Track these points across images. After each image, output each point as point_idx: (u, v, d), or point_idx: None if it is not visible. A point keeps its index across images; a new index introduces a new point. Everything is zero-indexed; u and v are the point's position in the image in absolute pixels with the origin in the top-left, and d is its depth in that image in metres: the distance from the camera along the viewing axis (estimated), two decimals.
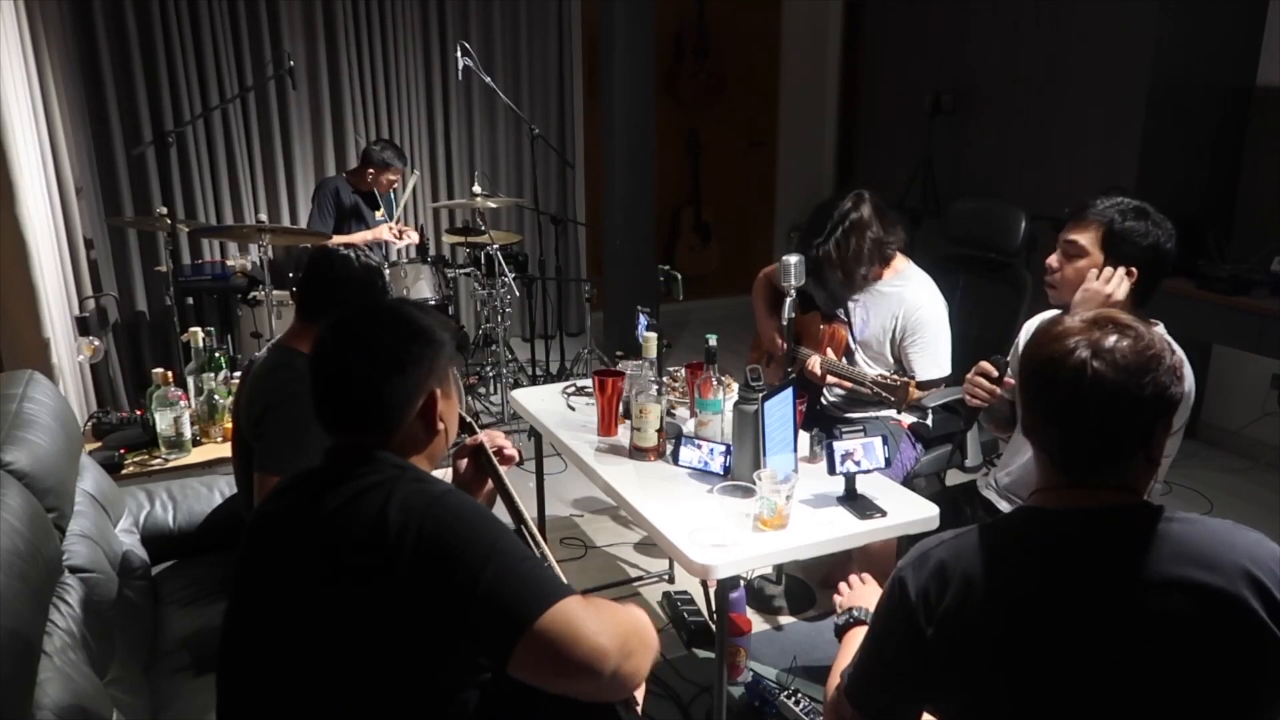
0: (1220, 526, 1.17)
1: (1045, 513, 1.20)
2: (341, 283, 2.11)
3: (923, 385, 2.60)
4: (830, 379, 2.68)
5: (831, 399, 2.84)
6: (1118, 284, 1.97)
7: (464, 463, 1.63)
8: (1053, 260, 2.10)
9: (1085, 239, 2.03)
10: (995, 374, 2.14)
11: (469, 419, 1.67)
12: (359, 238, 4.42)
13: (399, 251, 5.00)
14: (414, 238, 4.62)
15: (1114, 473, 1.17)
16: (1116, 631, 1.11)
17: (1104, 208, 2.02)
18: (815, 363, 2.68)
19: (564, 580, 1.28)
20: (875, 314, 2.75)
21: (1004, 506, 2.25)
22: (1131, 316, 1.19)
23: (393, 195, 4.84)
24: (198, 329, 3.05)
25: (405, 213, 5.31)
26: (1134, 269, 1.99)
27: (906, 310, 2.70)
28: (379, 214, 4.68)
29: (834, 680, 1.38)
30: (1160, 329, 2.05)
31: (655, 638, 1.31)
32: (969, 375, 2.20)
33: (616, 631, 1.21)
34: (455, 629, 1.17)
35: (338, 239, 4.30)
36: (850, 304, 2.80)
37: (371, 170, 4.48)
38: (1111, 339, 1.14)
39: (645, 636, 1.27)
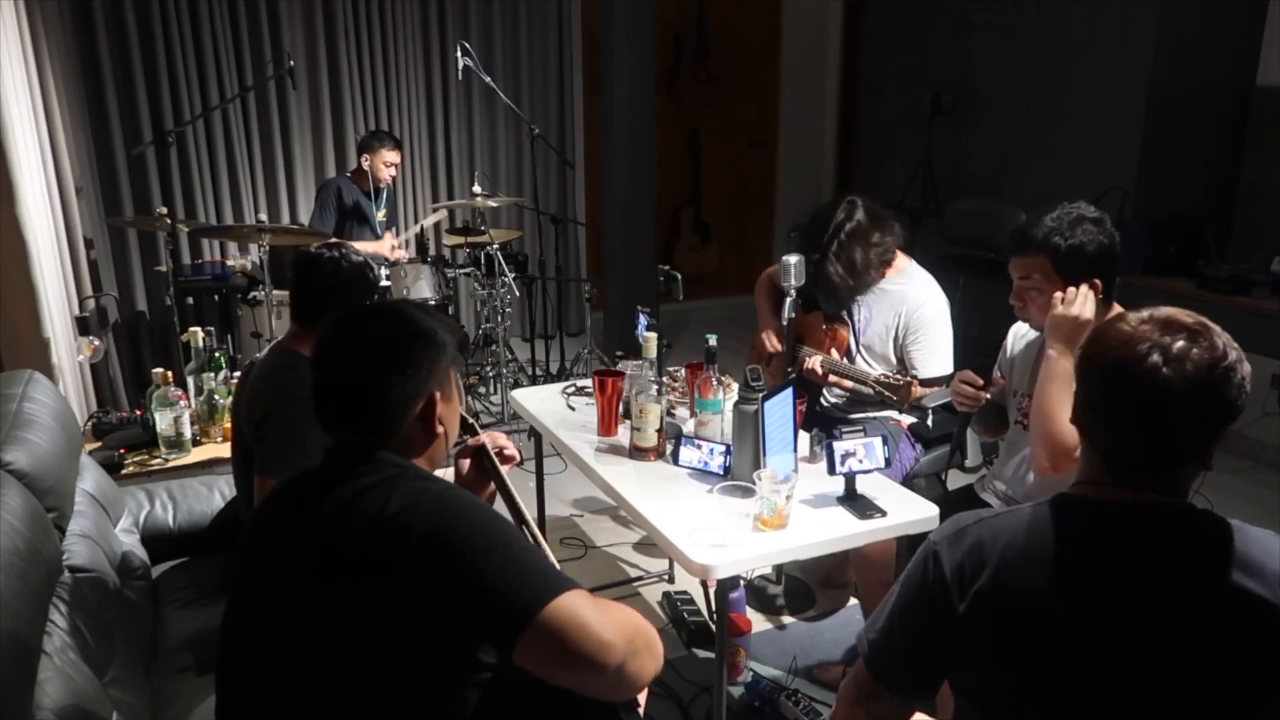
0: (1264, 535, 1.16)
1: (1089, 504, 1.19)
2: (333, 286, 2.10)
3: (925, 383, 2.60)
4: (832, 378, 2.68)
5: (833, 399, 2.84)
6: (1083, 303, 1.96)
7: (466, 463, 1.63)
8: (1014, 300, 2.09)
9: (1038, 272, 2.02)
10: (980, 381, 2.15)
11: (470, 420, 1.67)
12: (363, 250, 4.42)
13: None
14: (404, 255, 4.65)
15: (1164, 478, 1.16)
16: (1149, 627, 1.10)
17: (1041, 234, 2.00)
18: (816, 361, 2.68)
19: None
20: (878, 312, 2.75)
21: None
22: (1201, 317, 1.16)
23: (400, 217, 4.86)
24: (198, 329, 3.05)
25: (406, 218, 5.32)
26: (1095, 280, 1.98)
27: (909, 308, 2.70)
28: (381, 214, 4.68)
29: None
30: None
31: (660, 647, 1.30)
32: (954, 382, 2.21)
33: (623, 628, 1.21)
34: (458, 624, 1.17)
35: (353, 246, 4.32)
36: (853, 304, 2.80)
37: (367, 157, 4.49)
38: (1181, 344, 1.10)
39: (650, 640, 1.27)
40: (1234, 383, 1.11)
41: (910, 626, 1.25)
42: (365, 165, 4.53)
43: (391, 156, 4.53)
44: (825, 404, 2.86)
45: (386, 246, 4.62)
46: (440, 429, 1.38)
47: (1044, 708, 1.15)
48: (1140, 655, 1.10)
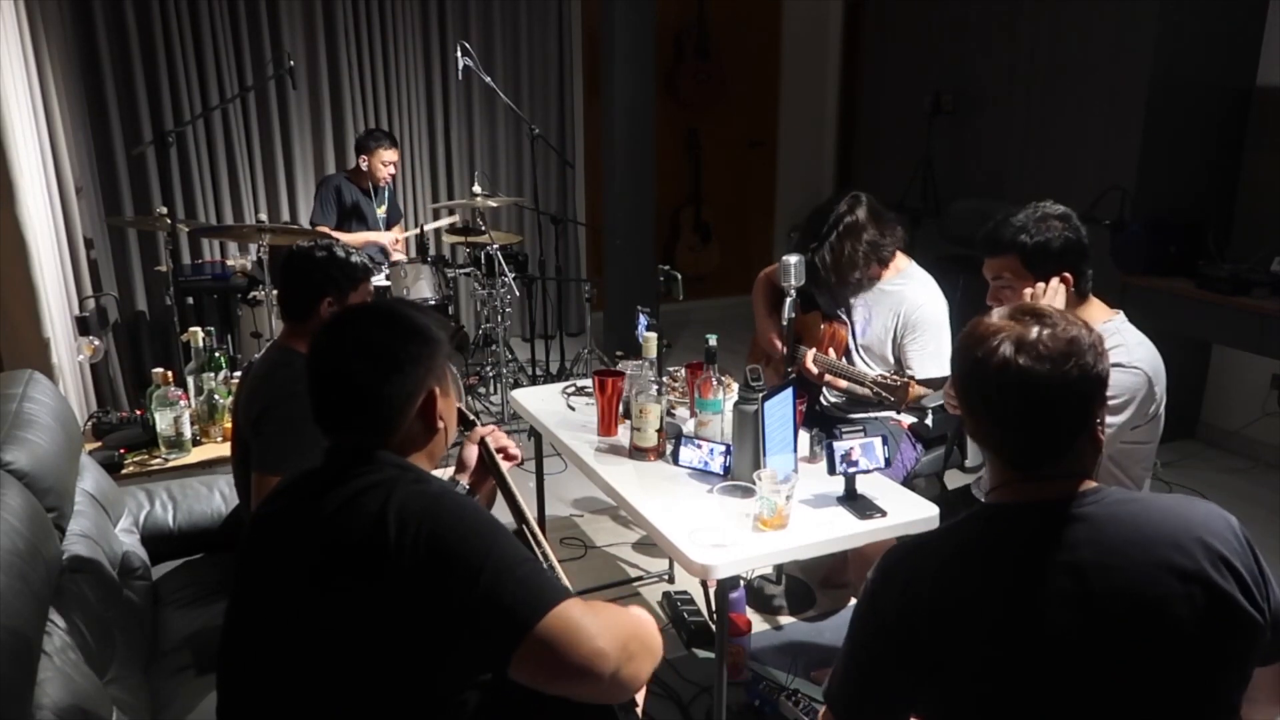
0: (1172, 502, 1.20)
1: (1006, 509, 1.21)
2: (308, 271, 2.10)
3: (923, 384, 2.60)
4: (827, 378, 2.68)
5: (832, 399, 2.84)
6: (1053, 296, 2.02)
7: (473, 451, 1.63)
8: (990, 300, 2.14)
9: (1009, 270, 2.08)
10: None
11: (470, 415, 1.67)
12: (356, 239, 4.42)
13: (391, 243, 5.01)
14: (403, 255, 4.66)
15: (1064, 461, 1.19)
16: (1089, 618, 1.12)
17: (1009, 234, 2.07)
18: (810, 357, 2.67)
19: (565, 581, 1.28)
20: (877, 313, 2.75)
21: None
22: (1048, 306, 1.22)
23: (400, 215, 4.86)
24: (198, 329, 3.04)
25: (406, 218, 5.32)
26: (1065, 274, 2.04)
27: (908, 308, 2.69)
28: (381, 211, 4.69)
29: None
30: (1120, 317, 2.09)
31: (659, 641, 1.30)
32: (945, 389, 2.22)
33: (617, 634, 1.21)
34: (454, 630, 1.17)
35: (347, 237, 4.33)
36: (852, 303, 2.79)
37: (364, 157, 4.49)
38: (1034, 331, 1.15)
39: (647, 640, 1.27)
40: (1084, 348, 1.15)
41: (862, 666, 1.26)
42: (363, 165, 4.53)
43: (389, 155, 4.53)
44: (825, 404, 2.86)
45: (389, 238, 4.62)
46: (440, 424, 1.38)
47: (1014, 715, 1.16)
48: (1093, 648, 1.12)
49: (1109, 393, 2.01)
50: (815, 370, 2.66)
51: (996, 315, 1.21)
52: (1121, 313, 2.12)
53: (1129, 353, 2.02)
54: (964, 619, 1.16)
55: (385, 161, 4.53)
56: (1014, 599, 1.14)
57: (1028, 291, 2.04)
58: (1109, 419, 1.97)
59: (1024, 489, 1.20)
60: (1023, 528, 1.18)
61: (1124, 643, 1.11)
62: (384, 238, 4.57)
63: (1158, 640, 1.11)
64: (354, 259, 2.15)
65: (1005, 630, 1.14)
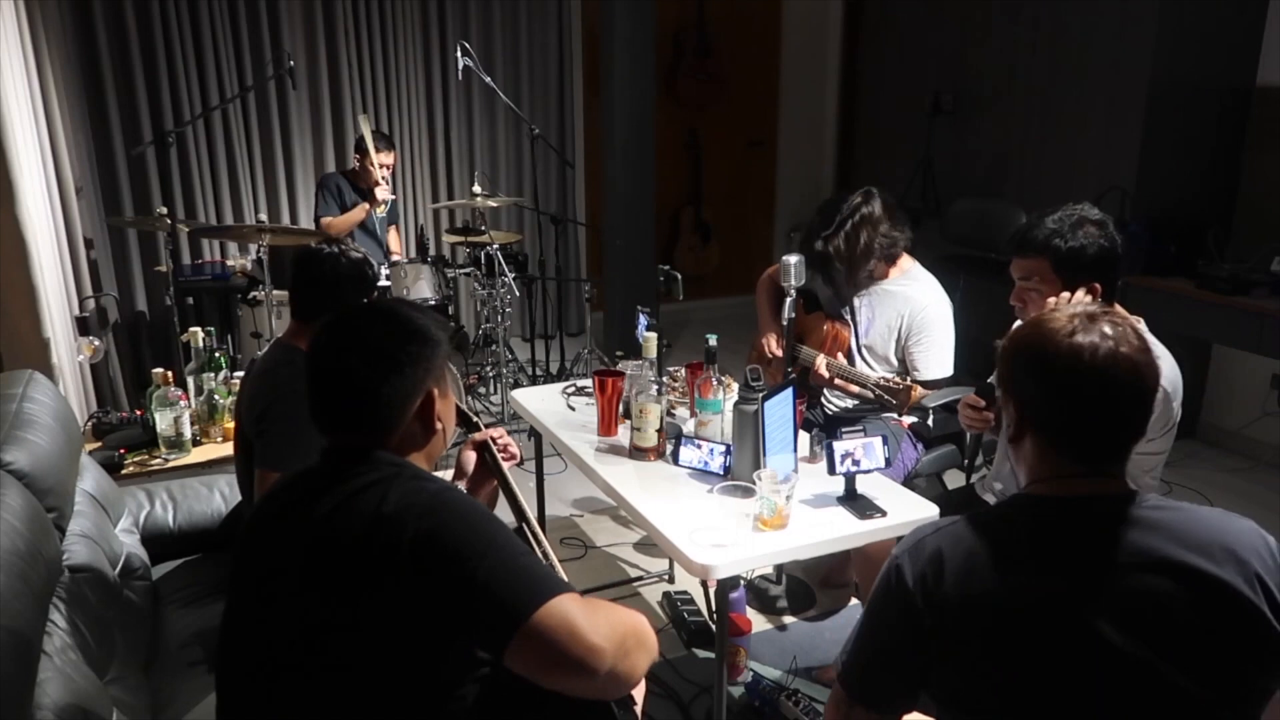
0: (1211, 514, 1.20)
1: (1047, 500, 1.21)
2: (332, 283, 2.11)
3: (925, 385, 2.60)
4: (838, 382, 2.67)
5: (836, 404, 2.84)
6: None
7: (471, 456, 1.63)
8: (1014, 300, 2.10)
9: (1038, 273, 2.02)
10: (982, 402, 2.15)
11: (472, 416, 1.67)
12: (344, 221, 4.40)
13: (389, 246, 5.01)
14: (388, 194, 4.61)
15: (1119, 460, 1.20)
16: (1113, 613, 1.12)
17: (1042, 236, 2.00)
18: (822, 364, 2.66)
19: (565, 578, 1.28)
20: (881, 313, 2.75)
21: None
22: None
23: (400, 214, 4.86)
24: (198, 329, 3.05)
25: (406, 218, 5.32)
26: (1095, 284, 1.98)
27: (913, 309, 2.69)
28: (380, 211, 4.69)
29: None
30: (1141, 325, 2.07)
31: (654, 641, 1.31)
32: (960, 407, 2.20)
33: (613, 630, 1.21)
34: (452, 623, 1.18)
35: (342, 226, 4.33)
36: (856, 303, 2.79)
37: (359, 157, 4.49)
38: (1108, 327, 1.17)
39: (643, 638, 1.27)
40: (1152, 364, 1.19)
41: (881, 642, 1.26)
42: (355, 165, 4.53)
43: (385, 159, 4.52)
44: (830, 412, 2.86)
45: (393, 242, 4.63)
46: (439, 425, 1.38)
47: (1032, 705, 1.15)
48: (1105, 646, 1.12)
49: None
50: (827, 375, 2.65)
51: (1066, 311, 1.21)
52: (1142, 321, 2.09)
53: None
54: (989, 608, 1.15)
55: (381, 164, 4.52)
56: (1044, 593, 1.14)
57: (1052, 300, 1.97)
58: None
59: (1075, 485, 1.19)
60: (1061, 522, 1.18)
61: (1148, 647, 1.11)
62: (364, 211, 4.56)
63: (1182, 648, 1.11)
64: (370, 272, 2.17)
65: (1031, 624, 1.14)
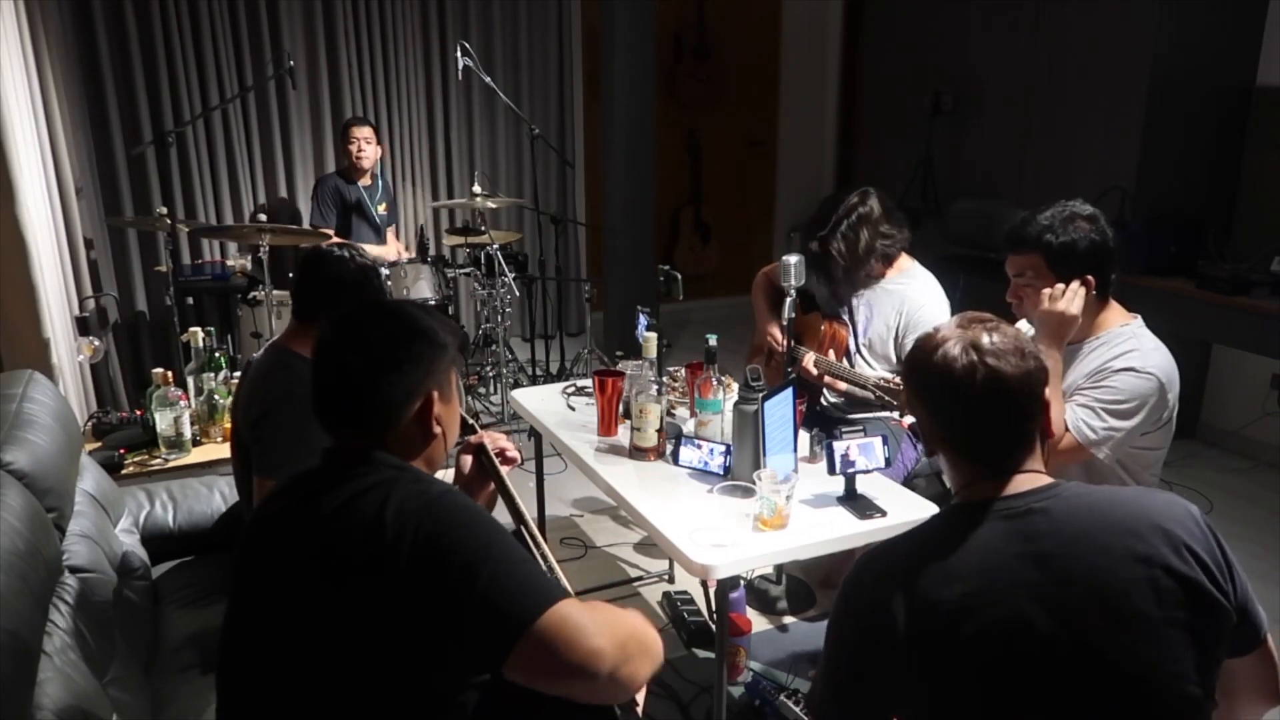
0: (1132, 493, 1.25)
1: (968, 507, 1.25)
2: (338, 283, 2.10)
3: None
4: (826, 379, 2.68)
5: (831, 400, 2.84)
6: (1071, 299, 2.00)
7: (468, 460, 1.63)
8: (1010, 297, 2.14)
9: (1032, 269, 2.07)
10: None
11: (470, 420, 1.67)
12: (369, 253, 4.42)
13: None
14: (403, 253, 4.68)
15: (1023, 452, 1.24)
16: (1054, 608, 1.14)
17: (1035, 232, 2.04)
18: (810, 360, 2.67)
19: (565, 582, 1.27)
20: (879, 312, 2.75)
21: None
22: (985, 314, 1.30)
23: (400, 214, 4.85)
24: (198, 329, 3.04)
25: (405, 217, 5.33)
26: (1088, 277, 2.02)
27: (910, 308, 2.69)
28: (382, 209, 4.70)
29: None
30: (1138, 321, 2.08)
31: (659, 644, 1.29)
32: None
33: (615, 635, 1.20)
34: (451, 630, 1.17)
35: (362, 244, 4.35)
36: (854, 302, 2.79)
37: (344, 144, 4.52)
38: (985, 336, 1.24)
39: (645, 641, 1.27)
40: (1026, 344, 1.25)
41: (841, 669, 1.28)
42: (348, 157, 4.55)
43: (361, 132, 4.53)
44: (825, 404, 2.86)
45: (393, 252, 4.64)
46: (438, 430, 1.37)
47: (988, 707, 1.17)
48: (1061, 637, 1.13)
49: (1119, 396, 2.02)
50: (815, 371, 2.66)
51: (945, 328, 1.28)
52: (1139, 317, 2.10)
53: (1144, 358, 2.00)
54: (935, 617, 1.17)
55: (359, 138, 4.51)
56: (982, 594, 1.16)
57: (1045, 291, 2.02)
58: (1119, 424, 1.98)
59: (986, 487, 1.24)
60: (985, 523, 1.21)
61: (1090, 631, 1.13)
62: (390, 254, 4.58)
63: (1124, 626, 1.13)
64: (375, 280, 2.16)
65: (976, 625, 1.15)
